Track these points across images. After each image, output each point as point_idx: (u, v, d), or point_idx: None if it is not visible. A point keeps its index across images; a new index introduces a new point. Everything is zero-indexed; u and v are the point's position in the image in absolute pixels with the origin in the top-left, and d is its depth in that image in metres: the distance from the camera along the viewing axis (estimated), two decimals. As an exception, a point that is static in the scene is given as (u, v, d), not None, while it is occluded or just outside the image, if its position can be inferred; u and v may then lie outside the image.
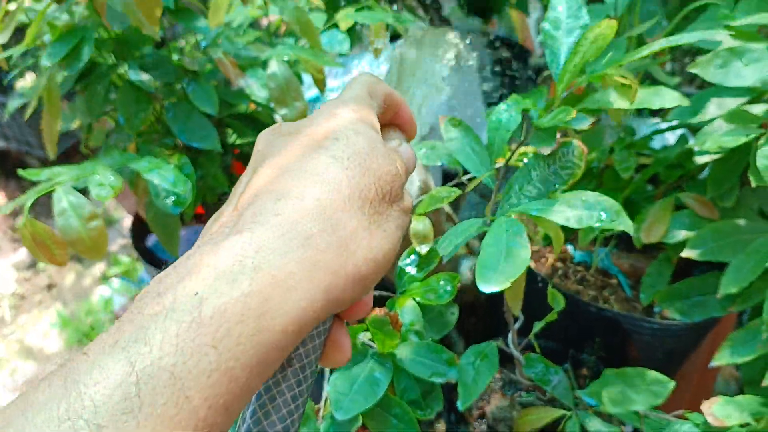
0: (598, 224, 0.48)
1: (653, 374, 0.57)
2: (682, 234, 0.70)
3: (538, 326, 0.61)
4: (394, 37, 1.27)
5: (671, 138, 0.94)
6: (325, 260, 0.25)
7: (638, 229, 0.71)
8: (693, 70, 0.59)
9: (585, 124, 0.52)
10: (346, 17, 0.88)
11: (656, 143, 0.84)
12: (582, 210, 0.50)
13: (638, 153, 0.78)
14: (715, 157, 0.65)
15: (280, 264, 0.24)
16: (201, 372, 0.21)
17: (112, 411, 0.19)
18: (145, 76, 0.72)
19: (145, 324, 0.22)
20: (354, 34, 0.99)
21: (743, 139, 0.60)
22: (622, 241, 0.82)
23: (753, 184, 0.60)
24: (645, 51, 0.53)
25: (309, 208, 0.26)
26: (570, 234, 0.78)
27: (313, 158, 0.28)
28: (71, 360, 0.22)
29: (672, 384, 0.56)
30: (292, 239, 0.24)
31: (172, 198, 0.65)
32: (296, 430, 0.27)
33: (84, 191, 0.64)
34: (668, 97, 0.52)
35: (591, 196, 0.50)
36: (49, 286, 1.94)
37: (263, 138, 0.31)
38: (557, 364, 0.66)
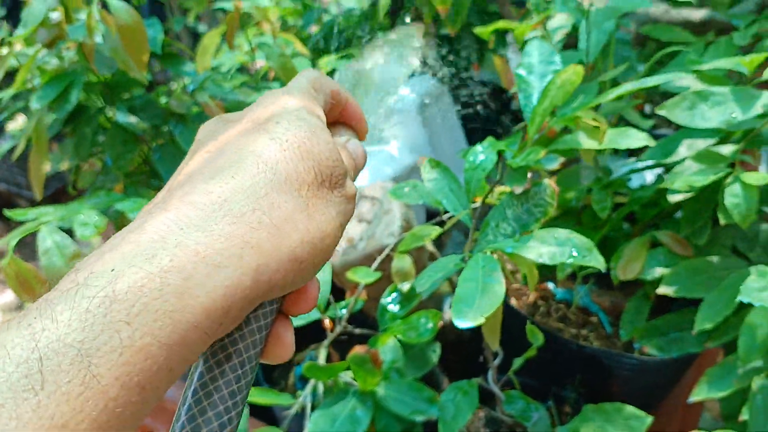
0: (570, 260, 0.50)
1: (630, 409, 0.58)
2: (658, 271, 0.71)
3: (517, 363, 0.62)
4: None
5: (650, 177, 0.96)
6: (257, 239, 0.24)
7: (615, 267, 0.73)
8: (660, 112, 0.62)
9: (555, 164, 0.54)
10: (326, 64, 0.91)
11: (635, 182, 0.86)
12: (554, 247, 0.51)
13: (616, 192, 0.80)
14: (687, 196, 0.67)
15: (206, 241, 0.23)
16: (112, 349, 0.20)
17: (11, 388, 0.18)
18: (132, 119, 0.74)
19: (54, 300, 0.21)
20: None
21: (711, 178, 0.62)
22: (602, 278, 0.83)
23: (721, 222, 0.62)
24: (613, 94, 0.56)
25: (243, 187, 0.25)
26: (550, 272, 0.79)
27: (251, 140, 0.27)
28: None
29: (649, 419, 0.57)
30: (222, 217, 0.23)
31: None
32: (234, 428, 0.26)
33: (70, 231, 0.65)
34: (635, 138, 0.54)
35: (563, 233, 0.52)
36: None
37: (205, 127, 0.30)
38: (540, 401, 0.66)
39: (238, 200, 0.24)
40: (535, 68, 0.59)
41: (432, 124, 1.04)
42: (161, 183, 0.79)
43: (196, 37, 2.12)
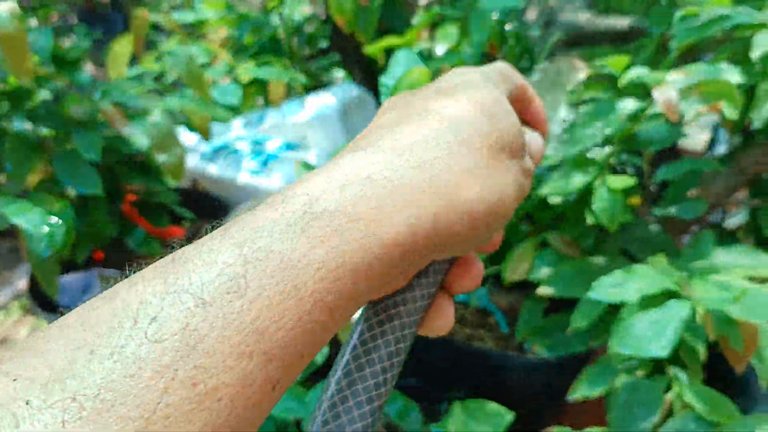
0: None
1: (493, 406, 0.59)
2: (544, 272, 0.72)
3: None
4: (316, 87, 1.32)
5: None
6: (438, 185, 0.24)
7: (506, 268, 0.74)
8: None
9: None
10: (245, 71, 0.92)
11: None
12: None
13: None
14: (567, 199, 0.69)
15: (393, 178, 0.24)
16: (309, 264, 0.21)
17: (218, 289, 0.19)
18: (29, 126, 0.75)
19: (256, 215, 0.22)
20: (262, 87, 1.03)
21: (580, 183, 0.63)
22: (501, 280, 0.84)
23: (588, 222, 0.63)
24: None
25: (427, 137, 0.26)
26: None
27: (436, 102, 0.28)
28: (181, 249, 0.21)
29: (510, 415, 0.58)
30: (408, 161, 0.24)
31: (43, 242, 0.67)
32: (388, 390, 0.26)
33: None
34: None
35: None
36: (3, 340, 1.92)
37: (390, 100, 0.31)
38: (435, 402, 0.67)
39: (421, 148, 0.25)
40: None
41: (354, 131, 1.06)
42: (62, 189, 0.80)
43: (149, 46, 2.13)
